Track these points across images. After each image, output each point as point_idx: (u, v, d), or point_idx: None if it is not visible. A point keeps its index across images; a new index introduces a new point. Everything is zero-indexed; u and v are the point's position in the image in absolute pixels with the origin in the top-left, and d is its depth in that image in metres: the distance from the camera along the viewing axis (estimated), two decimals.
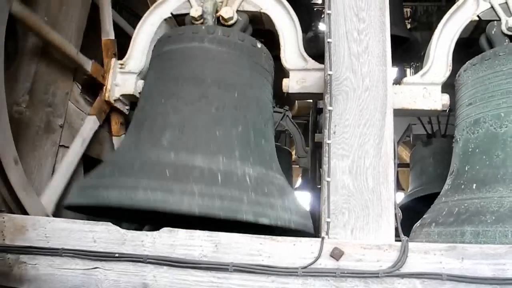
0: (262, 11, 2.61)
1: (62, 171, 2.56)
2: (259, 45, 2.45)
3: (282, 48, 2.56)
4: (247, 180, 2.03)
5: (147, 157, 2.06)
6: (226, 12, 2.49)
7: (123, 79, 2.76)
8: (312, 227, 2.21)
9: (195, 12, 2.50)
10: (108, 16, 2.87)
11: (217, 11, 2.52)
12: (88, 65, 2.69)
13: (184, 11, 2.63)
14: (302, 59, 2.53)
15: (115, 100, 2.78)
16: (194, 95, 2.18)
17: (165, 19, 2.74)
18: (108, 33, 2.89)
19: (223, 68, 2.27)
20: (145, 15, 2.77)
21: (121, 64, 2.77)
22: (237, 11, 2.56)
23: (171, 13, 2.69)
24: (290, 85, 2.48)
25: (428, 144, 4.46)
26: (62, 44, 2.50)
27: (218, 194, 1.90)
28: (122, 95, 2.78)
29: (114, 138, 3.01)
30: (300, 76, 2.48)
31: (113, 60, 2.78)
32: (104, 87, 2.76)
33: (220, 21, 2.52)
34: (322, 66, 2.29)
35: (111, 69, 2.75)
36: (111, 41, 2.87)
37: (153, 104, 2.26)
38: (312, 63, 2.50)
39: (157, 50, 2.50)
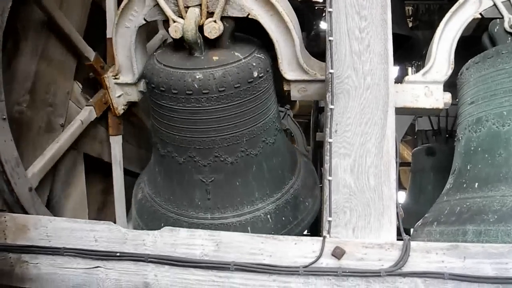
0: (250, 16, 2.29)
1: (118, 200, 2.86)
2: (255, 73, 2.28)
3: (279, 59, 2.37)
4: (269, 219, 2.43)
5: (190, 219, 2.44)
6: (210, 32, 2.22)
7: (123, 89, 2.74)
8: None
9: (174, 33, 2.23)
10: (79, 41, 2.71)
11: (199, 24, 2.24)
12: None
13: (159, 18, 2.38)
14: (301, 70, 2.38)
15: (124, 109, 2.83)
16: (208, 157, 2.33)
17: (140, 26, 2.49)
18: (88, 57, 2.74)
19: (227, 123, 2.30)
20: (115, 21, 2.51)
21: (115, 76, 2.69)
22: (222, 17, 2.27)
23: (145, 19, 2.44)
24: (292, 93, 2.45)
25: (430, 153, 4.37)
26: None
27: None
28: (129, 102, 2.80)
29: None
30: (301, 86, 2.43)
31: (107, 77, 2.72)
32: (111, 106, 2.81)
33: (205, 37, 2.25)
34: (322, 77, 2.27)
35: (109, 87, 2.74)
36: (94, 60, 2.75)
37: (172, 161, 2.41)
38: (313, 75, 2.37)
39: (153, 95, 2.38)
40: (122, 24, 2.50)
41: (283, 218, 2.46)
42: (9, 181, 2.16)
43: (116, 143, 2.96)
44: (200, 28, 2.23)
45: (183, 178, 2.43)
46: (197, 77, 2.19)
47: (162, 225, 2.30)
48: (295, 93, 2.46)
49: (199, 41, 2.22)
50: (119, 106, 2.80)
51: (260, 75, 2.31)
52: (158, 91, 2.28)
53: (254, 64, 2.29)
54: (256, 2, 2.30)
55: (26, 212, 2.24)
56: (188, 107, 2.24)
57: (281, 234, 2.25)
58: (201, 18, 2.25)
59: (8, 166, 2.17)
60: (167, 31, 2.30)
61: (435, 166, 4.24)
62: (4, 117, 2.18)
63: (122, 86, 2.72)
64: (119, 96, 2.75)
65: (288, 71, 2.40)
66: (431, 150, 4.38)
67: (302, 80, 2.41)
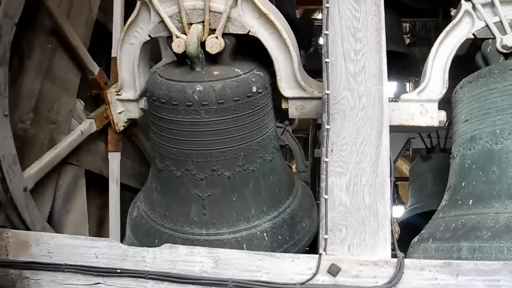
0: (251, 33, 2.37)
1: (113, 216, 2.95)
2: (254, 88, 2.34)
3: (277, 76, 2.45)
4: (265, 237, 2.44)
5: (185, 235, 2.43)
6: (212, 47, 2.31)
7: (124, 105, 2.81)
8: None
9: (177, 48, 2.32)
10: (85, 56, 2.78)
11: (201, 40, 2.33)
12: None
13: (163, 34, 2.46)
14: (299, 87, 2.47)
15: (124, 125, 2.89)
16: (206, 170, 2.35)
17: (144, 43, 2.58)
18: (93, 71, 2.80)
19: (225, 137, 2.33)
20: (120, 37, 2.61)
21: (117, 92, 2.75)
22: (223, 34, 2.36)
23: (149, 36, 2.51)
24: (290, 111, 2.52)
25: (427, 159, 4.46)
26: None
27: None
28: (129, 119, 2.86)
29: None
30: (299, 104, 2.50)
31: (109, 93, 2.78)
32: (111, 121, 2.85)
33: (206, 52, 2.34)
34: (319, 94, 2.32)
35: (111, 103, 2.79)
36: (98, 75, 2.81)
37: (171, 174, 2.43)
38: (310, 92, 2.46)
39: (154, 108, 2.42)
40: (127, 41, 2.58)
41: (280, 237, 2.46)
42: (4, 178, 2.15)
43: (114, 160, 2.99)
44: (202, 45, 2.32)
45: (180, 193, 2.44)
46: (197, 89, 2.25)
47: (157, 241, 2.35)
48: (293, 110, 2.52)
49: (200, 55, 2.29)
50: (120, 122, 2.86)
51: (259, 91, 2.37)
52: (159, 103, 2.33)
53: (253, 79, 2.35)
54: (256, 20, 2.38)
55: (18, 213, 2.23)
56: (187, 118, 2.28)
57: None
58: (203, 34, 2.34)
59: (5, 162, 2.16)
60: (170, 47, 2.37)
61: (432, 168, 4.31)
62: (6, 113, 2.18)
63: (124, 103, 2.79)
64: (120, 113, 2.82)
65: (286, 89, 2.48)
66: (427, 156, 4.47)
67: (299, 98, 2.49)
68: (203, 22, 2.36)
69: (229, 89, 2.27)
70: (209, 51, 2.32)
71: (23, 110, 2.49)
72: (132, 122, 3.00)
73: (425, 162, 4.50)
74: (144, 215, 2.59)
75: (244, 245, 2.37)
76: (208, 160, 2.33)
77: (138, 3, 2.47)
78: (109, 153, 2.99)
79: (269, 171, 2.51)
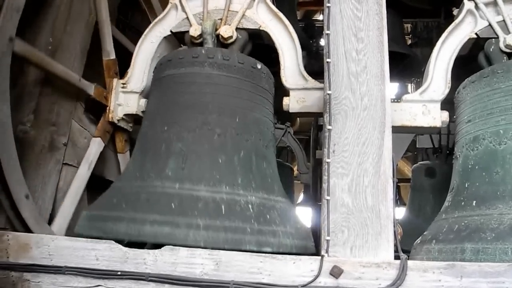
0: (261, 28, 2.61)
1: (71, 196, 2.64)
2: (259, 66, 2.46)
3: (282, 66, 2.56)
4: (250, 208, 2.11)
5: (152, 189, 2.13)
6: (226, 31, 2.51)
7: (125, 99, 2.80)
8: (313, 246, 2.27)
9: (194, 31, 2.54)
10: (108, 36, 2.88)
11: (216, 29, 2.55)
12: (91, 89, 2.73)
13: (183, 29, 2.66)
14: (302, 78, 2.53)
15: (118, 120, 2.82)
16: (196, 122, 2.23)
17: (165, 37, 2.76)
18: (109, 53, 2.89)
19: (223, 93, 2.31)
20: (145, 32, 2.78)
21: (123, 84, 2.79)
22: (237, 28, 2.57)
23: (171, 31, 2.71)
24: (291, 105, 2.50)
25: (430, 174, 4.34)
26: (65, 73, 2.56)
27: (222, 226, 1.98)
28: (125, 115, 2.82)
29: (119, 155, 3.05)
30: (301, 96, 2.49)
31: (115, 80, 2.81)
32: (108, 108, 2.79)
33: (219, 40, 2.55)
34: (322, 85, 2.31)
35: (114, 89, 2.78)
36: (112, 61, 2.88)
37: (156, 131, 2.30)
38: (312, 82, 2.50)
39: (158, 73, 2.51)
40: (148, 39, 2.79)
41: (268, 216, 2.13)
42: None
43: (95, 145, 2.81)
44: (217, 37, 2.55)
45: (160, 148, 2.22)
46: (206, 43, 2.47)
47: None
48: (294, 104, 2.52)
49: (214, 35, 2.52)
50: (115, 111, 2.81)
51: (263, 72, 2.48)
52: (165, 64, 2.43)
53: (259, 64, 2.48)
54: (267, 18, 2.65)
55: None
56: (189, 70, 2.33)
57: (265, 231, 2.05)
58: (219, 26, 2.56)
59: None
60: (187, 40, 2.61)
61: (434, 187, 4.24)
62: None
63: (126, 95, 2.81)
64: (119, 104, 2.81)
65: (289, 78, 2.55)
66: (431, 170, 4.35)
67: (302, 88, 2.51)
68: (221, 19, 2.61)
69: (235, 53, 2.44)
70: (222, 35, 2.51)
71: (24, 112, 2.48)
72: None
73: (427, 178, 4.37)
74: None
75: (223, 206, 2.03)
76: (201, 112, 2.24)
77: (169, 5, 2.74)
78: (93, 138, 2.84)
79: (263, 157, 2.35)
